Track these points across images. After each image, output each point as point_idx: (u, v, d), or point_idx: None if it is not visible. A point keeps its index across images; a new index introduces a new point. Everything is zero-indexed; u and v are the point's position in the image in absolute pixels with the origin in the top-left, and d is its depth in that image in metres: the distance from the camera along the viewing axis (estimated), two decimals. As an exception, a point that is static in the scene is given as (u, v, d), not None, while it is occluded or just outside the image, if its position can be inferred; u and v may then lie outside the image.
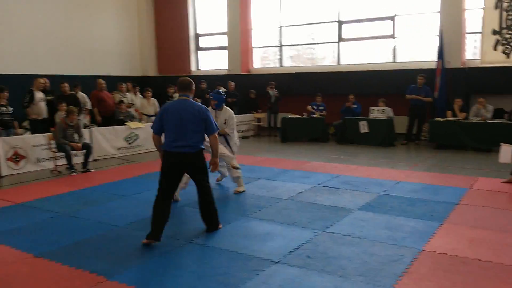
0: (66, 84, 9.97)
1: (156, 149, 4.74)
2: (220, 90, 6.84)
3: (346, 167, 8.25)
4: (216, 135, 4.61)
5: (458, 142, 10.18)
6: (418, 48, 12.62)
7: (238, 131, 12.88)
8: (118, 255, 4.12)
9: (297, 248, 4.23)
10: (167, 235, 4.60)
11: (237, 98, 13.24)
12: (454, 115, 10.52)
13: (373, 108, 11.39)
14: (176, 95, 5.39)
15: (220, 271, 3.74)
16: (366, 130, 11.26)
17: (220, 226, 4.83)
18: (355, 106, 11.94)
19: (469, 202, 5.76)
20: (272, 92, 12.96)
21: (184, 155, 4.40)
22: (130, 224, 5.04)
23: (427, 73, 11.32)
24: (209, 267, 3.84)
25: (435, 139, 10.61)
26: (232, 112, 6.54)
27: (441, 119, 10.52)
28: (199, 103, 4.62)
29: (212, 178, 5.94)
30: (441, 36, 11.27)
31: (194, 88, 4.66)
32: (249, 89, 13.80)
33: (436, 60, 11.34)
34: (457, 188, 6.45)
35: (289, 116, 12.31)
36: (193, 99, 4.64)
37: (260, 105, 13.76)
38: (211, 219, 4.74)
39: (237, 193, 6.41)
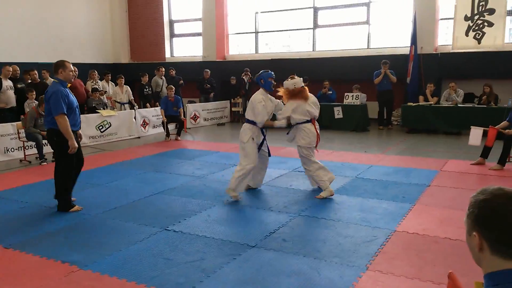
0: (35, 72, 9.67)
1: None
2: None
3: (321, 152, 8.28)
4: (59, 117, 4.70)
5: (430, 126, 10.42)
6: (391, 34, 12.75)
7: (213, 118, 13.03)
8: (92, 244, 4.05)
9: (273, 232, 4.26)
10: (142, 223, 4.56)
11: (213, 85, 13.13)
12: (426, 99, 10.72)
13: (347, 94, 11.48)
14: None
15: (196, 257, 3.73)
16: (340, 116, 11.35)
17: (76, 209, 5.03)
18: (330, 92, 12.00)
19: (440, 183, 5.91)
20: (246, 78, 12.89)
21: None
22: (103, 213, 4.96)
23: (400, 59, 11.47)
24: (185, 253, 3.81)
25: (407, 124, 10.80)
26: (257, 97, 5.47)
27: (413, 104, 10.70)
28: (55, 84, 4.81)
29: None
30: (414, 22, 11.41)
31: (62, 69, 4.84)
32: (224, 76, 13.69)
33: (409, 45, 11.49)
34: (428, 171, 6.60)
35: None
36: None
37: (237, 91, 13.70)
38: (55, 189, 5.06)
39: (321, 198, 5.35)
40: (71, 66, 4.95)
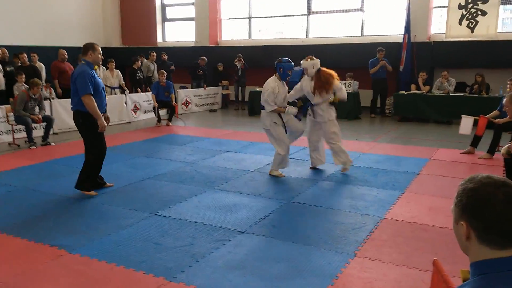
0: (24, 55, 9.53)
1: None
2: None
3: (313, 139, 8.30)
4: (85, 97, 4.68)
5: (421, 115, 10.43)
6: (385, 22, 12.69)
7: (205, 104, 12.96)
8: (81, 228, 4.04)
9: (263, 218, 4.27)
10: (132, 208, 4.54)
11: (205, 71, 13.03)
12: (418, 88, 10.73)
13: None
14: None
15: (186, 242, 3.73)
16: (333, 103, 11.31)
17: (90, 193, 4.97)
18: (323, 79, 11.94)
19: (429, 172, 5.95)
20: (239, 64, 12.80)
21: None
22: (93, 197, 4.94)
23: (394, 47, 11.44)
24: (174, 238, 3.81)
25: (398, 112, 10.81)
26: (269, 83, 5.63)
27: (405, 92, 10.71)
28: (82, 65, 4.84)
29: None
30: (408, 10, 11.36)
31: (91, 51, 4.87)
32: (217, 62, 13.58)
33: (403, 34, 11.45)
34: (419, 159, 6.64)
35: (258, 89, 12.22)
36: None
37: (227, 77, 13.61)
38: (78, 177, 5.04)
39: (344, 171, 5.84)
40: (100, 49, 4.97)
